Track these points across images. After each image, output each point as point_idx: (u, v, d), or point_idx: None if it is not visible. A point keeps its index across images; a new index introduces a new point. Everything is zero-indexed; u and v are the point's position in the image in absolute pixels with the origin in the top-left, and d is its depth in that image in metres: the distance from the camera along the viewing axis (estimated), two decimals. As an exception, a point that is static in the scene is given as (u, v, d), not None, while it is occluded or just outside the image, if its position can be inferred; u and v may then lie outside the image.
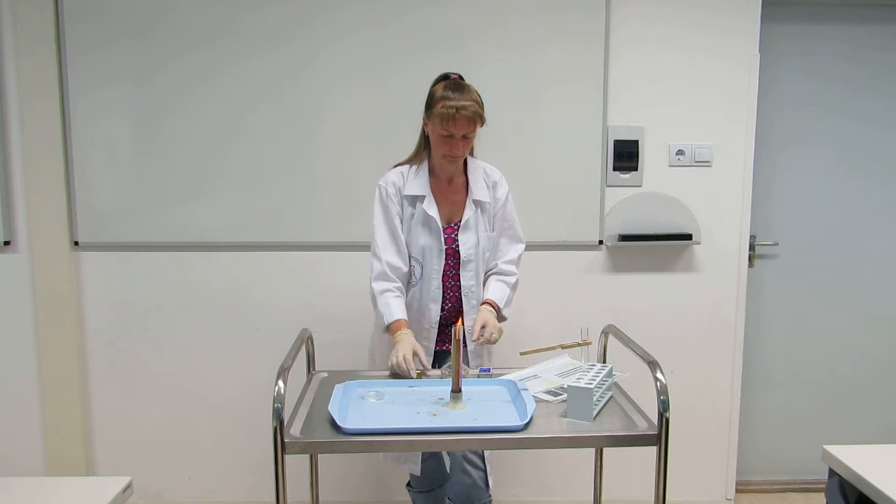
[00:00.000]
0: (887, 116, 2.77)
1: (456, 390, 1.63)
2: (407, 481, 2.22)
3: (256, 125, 2.54)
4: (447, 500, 2.03)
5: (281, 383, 1.49)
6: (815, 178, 2.80)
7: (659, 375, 1.52)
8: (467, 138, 1.90)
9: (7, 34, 2.46)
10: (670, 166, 2.63)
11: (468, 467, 1.96)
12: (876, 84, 2.75)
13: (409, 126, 2.53)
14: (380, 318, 1.95)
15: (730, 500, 2.82)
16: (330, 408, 1.56)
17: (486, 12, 2.51)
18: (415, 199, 1.99)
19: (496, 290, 2.04)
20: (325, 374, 1.97)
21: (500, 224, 2.07)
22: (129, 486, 1.49)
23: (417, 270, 2.01)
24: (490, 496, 2.00)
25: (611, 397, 1.73)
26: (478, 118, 1.87)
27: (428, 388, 1.78)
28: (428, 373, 1.87)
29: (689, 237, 2.62)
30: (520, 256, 2.11)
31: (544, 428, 1.53)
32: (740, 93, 2.60)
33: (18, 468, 2.63)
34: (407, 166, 2.03)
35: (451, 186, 2.03)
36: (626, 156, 2.61)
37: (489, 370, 1.95)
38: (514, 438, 1.50)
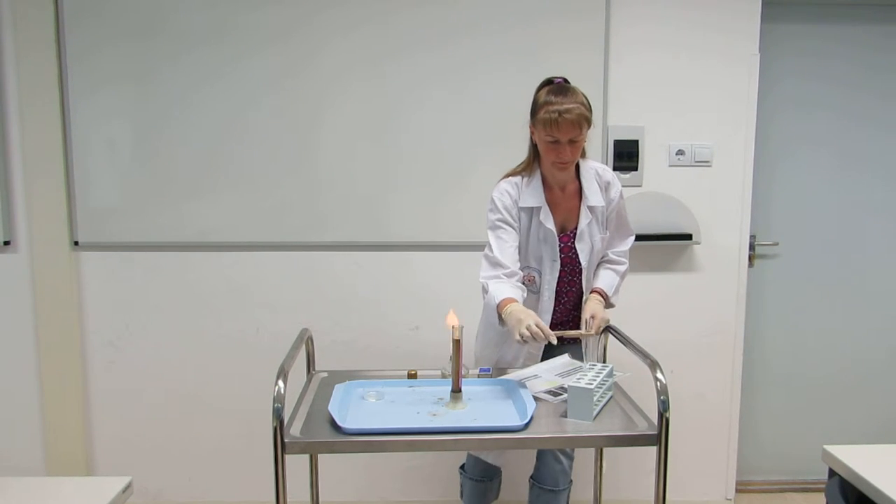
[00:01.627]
0: (887, 116, 2.77)
1: (456, 390, 1.64)
2: (461, 464, 2.24)
3: (256, 125, 2.54)
4: (531, 480, 2.09)
5: (281, 383, 1.49)
6: (815, 178, 2.80)
7: (659, 375, 1.52)
8: (575, 142, 1.83)
9: (7, 34, 2.46)
10: (670, 166, 2.63)
11: (560, 455, 2.02)
12: (876, 84, 2.75)
13: (410, 126, 2.55)
14: (490, 302, 1.87)
15: (730, 500, 2.82)
16: (330, 408, 1.57)
17: (486, 13, 2.51)
18: (531, 211, 1.95)
19: (605, 279, 2.04)
20: (325, 374, 1.97)
21: (614, 222, 2.05)
22: (128, 486, 1.49)
23: (536, 279, 1.99)
24: (571, 480, 2.09)
25: (611, 397, 1.73)
26: (584, 121, 1.81)
27: (428, 388, 1.78)
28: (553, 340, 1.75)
29: (689, 237, 2.62)
30: (630, 247, 2.11)
31: (544, 428, 1.53)
32: (740, 93, 2.60)
33: (18, 468, 2.63)
34: (519, 177, 1.97)
35: (564, 194, 1.98)
36: (626, 156, 2.61)
37: (489, 370, 1.95)
38: (514, 438, 1.50)
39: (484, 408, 1.64)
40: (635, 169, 2.62)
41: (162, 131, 2.53)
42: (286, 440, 1.46)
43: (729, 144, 2.63)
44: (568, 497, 2.09)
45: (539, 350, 2.03)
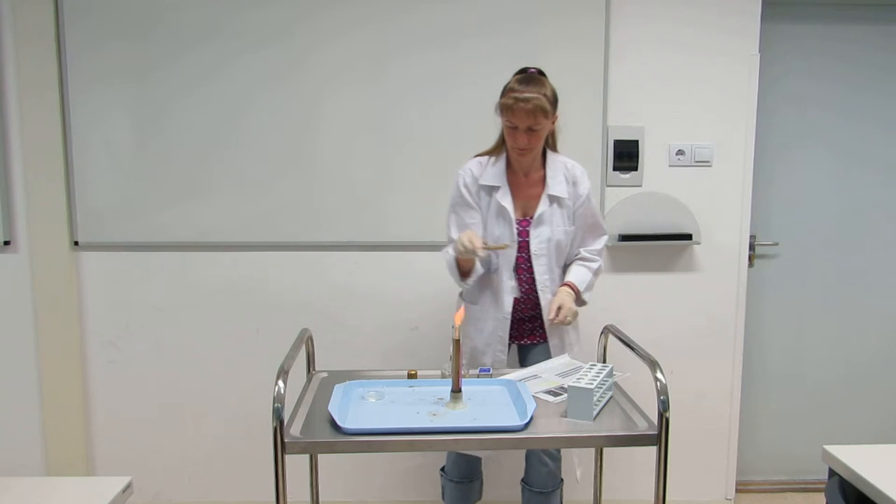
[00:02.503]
0: (887, 116, 2.77)
1: (456, 390, 1.63)
2: (441, 466, 2.25)
3: (256, 124, 2.54)
4: (523, 484, 2.13)
5: (281, 383, 1.49)
6: (815, 178, 2.80)
7: (659, 375, 1.52)
8: (534, 131, 1.91)
9: (7, 32, 2.46)
10: (670, 166, 2.63)
11: (546, 458, 2.05)
12: (876, 84, 2.75)
13: (409, 125, 2.55)
14: (448, 253, 2.00)
15: (730, 500, 2.82)
16: (330, 408, 1.56)
17: (485, 12, 2.51)
18: (491, 190, 2.02)
19: (577, 274, 2.06)
20: (325, 374, 1.97)
21: (582, 220, 2.08)
22: (128, 486, 1.49)
23: (494, 259, 2.04)
24: (562, 479, 2.13)
25: (611, 397, 1.73)
26: (540, 112, 1.87)
27: (428, 388, 1.78)
28: (480, 253, 1.88)
29: (689, 237, 2.62)
30: (603, 246, 2.15)
31: (544, 428, 1.53)
32: (740, 93, 2.60)
33: (18, 468, 2.63)
34: (486, 157, 2.06)
35: (527, 180, 2.05)
36: (626, 156, 2.61)
37: (489, 370, 1.95)
38: (514, 438, 1.50)
39: (484, 408, 1.64)
40: (635, 169, 2.62)
41: (162, 131, 2.53)
42: (286, 440, 1.46)
43: (729, 144, 2.63)
44: (560, 496, 2.13)
45: (505, 331, 2.06)
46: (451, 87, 2.53)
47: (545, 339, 2.10)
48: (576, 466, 2.17)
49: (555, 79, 2.55)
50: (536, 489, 2.09)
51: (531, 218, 2.03)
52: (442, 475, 2.25)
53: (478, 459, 2.21)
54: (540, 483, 2.09)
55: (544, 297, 2.05)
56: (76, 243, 2.58)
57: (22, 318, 2.59)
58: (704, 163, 2.63)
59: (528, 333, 2.13)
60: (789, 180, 2.80)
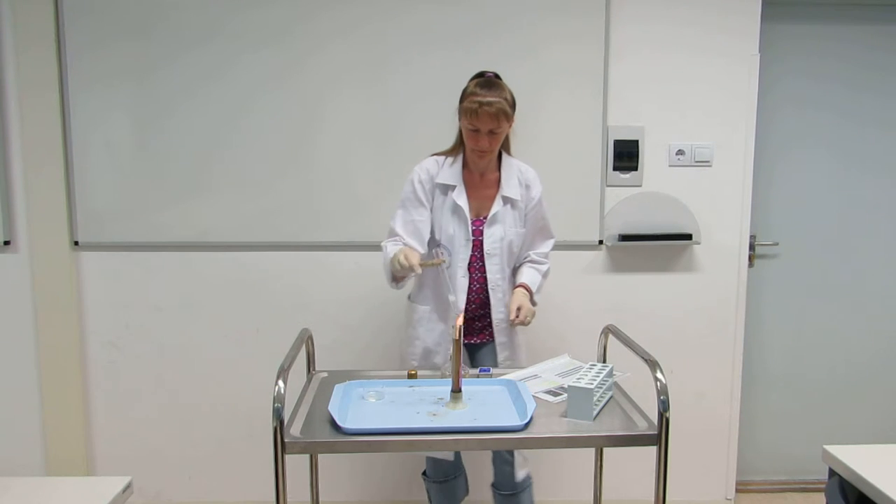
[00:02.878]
0: (887, 116, 2.77)
1: (456, 390, 1.63)
2: (422, 471, 2.25)
3: (256, 124, 2.54)
4: (493, 489, 2.12)
5: (281, 383, 1.49)
6: (815, 178, 2.80)
7: (659, 375, 1.52)
8: (494, 134, 1.95)
9: (7, 31, 2.46)
10: (670, 166, 2.63)
11: (507, 457, 2.06)
12: (876, 84, 2.75)
13: (409, 125, 2.55)
14: (385, 258, 2.00)
15: (730, 500, 2.82)
16: (330, 408, 1.56)
17: (485, 12, 2.51)
18: (446, 188, 2.05)
19: (529, 276, 2.11)
20: (325, 374, 1.97)
21: (533, 223, 2.13)
22: (128, 486, 1.50)
23: (446, 257, 2.05)
24: (530, 479, 2.12)
25: (611, 397, 1.73)
26: (503, 115, 1.92)
27: (428, 388, 1.78)
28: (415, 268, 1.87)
29: (689, 237, 2.62)
30: (551, 249, 2.20)
31: (544, 428, 1.53)
32: (740, 93, 2.60)
33: (18, 468, 2.63)
34: (444, 156, 2.09)
35: (483, 181, 2.08)
36: (626, 156, 2.61)
37: (489, 370, 1.95)
38: (514, 438, 1.50)
39: (484, 408, 1.64)
40: (635, 169, 2.62)
41: (162, 131, 2.53)
42: (286, 440, 1.46)
43: (729, 144, 2.63)
44: (531, 495, 2.13)
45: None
46: (451, 86, 2.51)
47: (492, 339, 2.11)
48: (518, 467, 2.10)
49: (555, 79, 2.56)
50: (506, 491, 2.09)
51: (485, 217, 2.06)
52: (425, 479, 2.26)
53: (459, 457, 2.21)
54: (508, 485, 2.09)
55: (495, 297, 2.07)
56: (76, 243, 2.58)
57: (22, 318, 2.59)
58: (704, 163, 2.63)
59: (478, 332, 2.14)
60: (789, 180, 2.80)
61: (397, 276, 1.98)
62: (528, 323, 2.02)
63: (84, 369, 2.65)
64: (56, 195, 2.51)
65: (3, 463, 2.62)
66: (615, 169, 2.61)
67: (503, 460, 2.08)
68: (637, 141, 2.61)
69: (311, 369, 2.02)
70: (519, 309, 1.99)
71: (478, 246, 2.06)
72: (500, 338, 2.10)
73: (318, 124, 2.55)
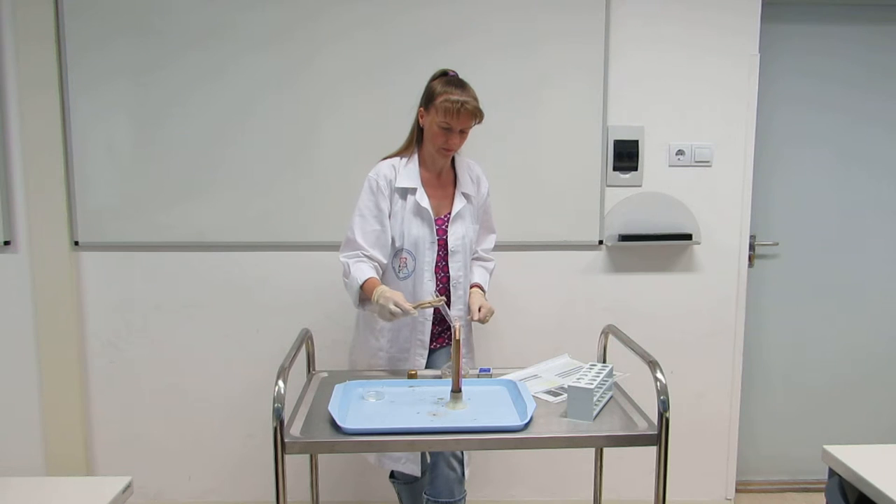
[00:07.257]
0: (887, 116, 2.77)
1: (456, 390, 1.64)
2: (390, 472, 2.24)
3: (257, 124, 2.54)
4: (425, 495, 2.01)
5: (281, 383, 1.49)
6: (815, 178, 2.80)
7: (659, 375, 1.53)
8: (465, 133, 1.97)
9: (7, 31, 2.46)
10: (670, 166, 2.63)
11: (454, 462, 1.97)
12: (876, 84, 2.75)
13: (409, 124, 2.54)
14: (353, 283, 1.96)
15: (730, 500, 2.82)
16: (330, 408, 1.57)
17: (485, 12, 2.51)
18: (406, 192, 2.03)
19: (480, 275, 2.17)
20: (325, 374, 1.97)
21: (483, 218, 2.18)
22: (128, 486, 1.50)
23: (410, 263, 2.03)
24: (465, 490, 2.01)
25: (611, 397, 1.73)
26: (478, 113, 1.95)
27: (428, 388, 1.79)
28: (411, 311, 1.85)
29: (689, 237, 2.62)
30: (493, 245, 2.24)
31: (544, 428, 1.53)
32: (740, 93, 2.60)
33: (18, 468, 2.63)
34: (398, 158, 2.07)
35: (439, 179, 2.08)
36: (626, 156, 2.61)
37: (489, 370, 1.95)
38: (514, 438, 1.50)
39: (484, 408, 1.64)
40: (635, 169, 2.62)
41: (162, 130, 2.53)
42: (286, 440, 1.46)
43: (729, 144, 2.63)
44: None
45: (426, 335, 2.05)
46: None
47: (449, 342, 2.08)
48: (466, 475, 2.03)
49: (555, 78, 2.56)
50: (443, 499, 1.95)
51: (446, 216, 2.06)
52: (393, 482, 2.24)
53: (422, 455, 2.13)
54: (447, 492, 1.95)
55: (455, 294, 2.06)
56: (76, 243, 2.57)
57: (22, 318, 2.59)
58: (704, 163, 2.63)
59: (438, 336, 2.10)
60: (789, 180, 2.80)
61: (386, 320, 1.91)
62: (487, 321, 2.03)
63: (84, 369, 2.65)
64: (56, 195, 2.51)
65: (3, 463, 2.62)
66: (615, 169, 2.61)
67: (448, 465, 1.95)
68: (637, 141, 2.61)
69: (311, 369, 2.02)
70: (480, 308, 2.00)
71: (442, 245, 2.05)
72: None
73: (318, 124, 2.54)
